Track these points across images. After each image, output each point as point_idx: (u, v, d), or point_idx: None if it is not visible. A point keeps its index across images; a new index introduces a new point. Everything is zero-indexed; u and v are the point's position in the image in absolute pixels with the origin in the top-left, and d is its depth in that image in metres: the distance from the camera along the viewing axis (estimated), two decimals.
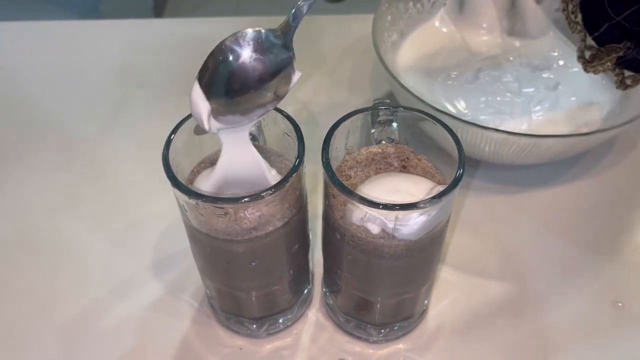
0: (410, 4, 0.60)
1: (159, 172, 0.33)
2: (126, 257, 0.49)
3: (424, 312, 0.45)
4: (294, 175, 0.33)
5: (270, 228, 0.35)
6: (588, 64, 0.46)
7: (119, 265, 0.48)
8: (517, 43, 0.61)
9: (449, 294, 0.46)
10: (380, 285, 0.39)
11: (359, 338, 0.44)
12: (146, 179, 0.54)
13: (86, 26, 0.74)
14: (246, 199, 0.32)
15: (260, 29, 0.31)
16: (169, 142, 0.35)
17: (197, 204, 0.33)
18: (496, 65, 0.58)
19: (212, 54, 0.31)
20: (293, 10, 0.31)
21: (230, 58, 0.31)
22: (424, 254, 0.36)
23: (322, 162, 0.34)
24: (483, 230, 0.51)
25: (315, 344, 0.43)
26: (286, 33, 0.31)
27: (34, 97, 0.64)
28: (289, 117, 0.36)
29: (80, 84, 0.65)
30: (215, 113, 0.32)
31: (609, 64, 0.44)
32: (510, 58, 0.59)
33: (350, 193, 0.33)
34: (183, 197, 0.33)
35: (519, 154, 0.48)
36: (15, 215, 0.52)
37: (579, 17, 0.46)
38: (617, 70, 0.46)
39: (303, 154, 0.34)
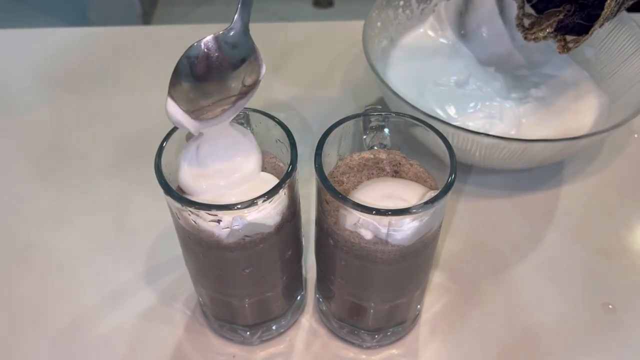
0: (400, 10, 0.60)
1: (151, 180, 0.33)
2: (118, 265, 0.48)
3: (417, 317, 0.45)
4: (287, 182, 0.33)
5: (264, 234, 0.35)
6: (527, 31, 0.45)
7: (111, 274, 0.48)
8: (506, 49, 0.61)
9: (442, 299, 0.46)
10: (374, 290, 0.39)
11: (352, 344, 0.43)
12: (138, 186, 0.54)
13: (75, 33, 0.74)
14: (239, 206, 0.32)
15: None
16: (161, 149, 0.35)
17: (189, 211, 0.33)
18: (485, 71, 0.59)
19: (177, 65, 0.33)
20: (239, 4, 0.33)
21: (193, 54, 0.33)
22: (416, 259, 0.36)
23: (315, 167, 0.34)
24: (475, 234, 0.51)
25: (309, 350, 0.43)
26: (242, 25, 0.34)
27: (24, 104, 0.63)
28: (281, 124, 0.36)
29: (70, 91, 0.65)
30: (193, 116, 0.33)
31: (548, 29, 0.43)
32: (499, 63, 0.60)
33: (344, 199, 0.33)
34: (175, 204, 0.33)
35: (509, 158, 0.49)
36: (6, 224, 0.52)
37: None
38: (558, 37, 0.44)
39: (296, 160, 0.34)
